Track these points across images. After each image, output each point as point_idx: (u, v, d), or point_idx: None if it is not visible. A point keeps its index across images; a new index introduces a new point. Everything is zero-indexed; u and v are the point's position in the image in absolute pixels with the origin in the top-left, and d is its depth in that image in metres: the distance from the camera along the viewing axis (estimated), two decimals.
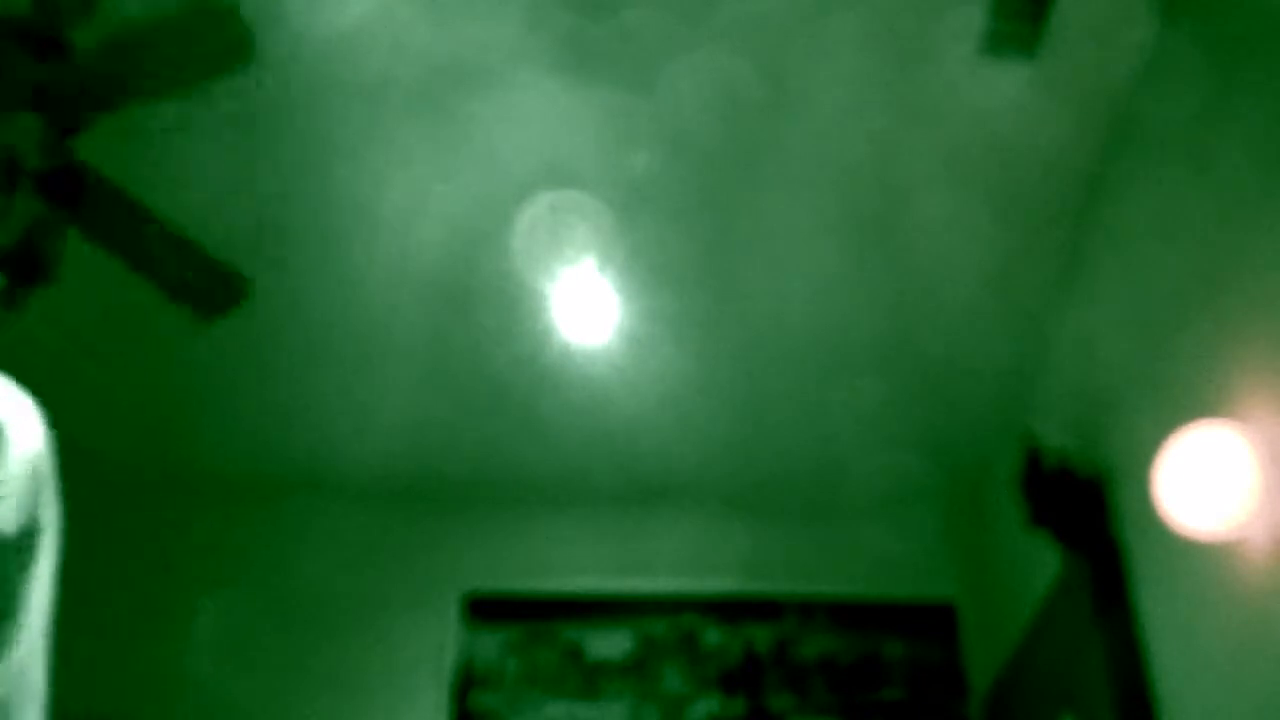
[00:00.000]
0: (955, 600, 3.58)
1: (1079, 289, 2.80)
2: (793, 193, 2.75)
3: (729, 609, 3.54)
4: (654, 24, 2.37)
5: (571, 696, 3.40)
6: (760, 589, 3.57)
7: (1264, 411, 1.90)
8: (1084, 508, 2.56)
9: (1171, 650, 2.25)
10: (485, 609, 3.52)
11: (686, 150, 2.65)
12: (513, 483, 3.65)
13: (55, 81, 1.98)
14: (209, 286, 2.38)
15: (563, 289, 2.98)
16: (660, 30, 2.39)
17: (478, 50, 2.45)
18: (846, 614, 3.55)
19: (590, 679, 3.43)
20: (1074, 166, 2.64)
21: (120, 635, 3.41)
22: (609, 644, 3.49)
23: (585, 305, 3.04)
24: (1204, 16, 2.17)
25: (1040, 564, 2.90)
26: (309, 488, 3.62)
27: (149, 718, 3.28)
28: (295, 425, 3.46)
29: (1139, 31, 2.34)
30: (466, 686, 3.39)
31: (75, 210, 2.13)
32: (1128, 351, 2.49)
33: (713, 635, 3.51)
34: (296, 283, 2.98)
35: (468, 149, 2.65)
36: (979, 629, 3.50)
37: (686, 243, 2.88)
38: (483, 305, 3.03)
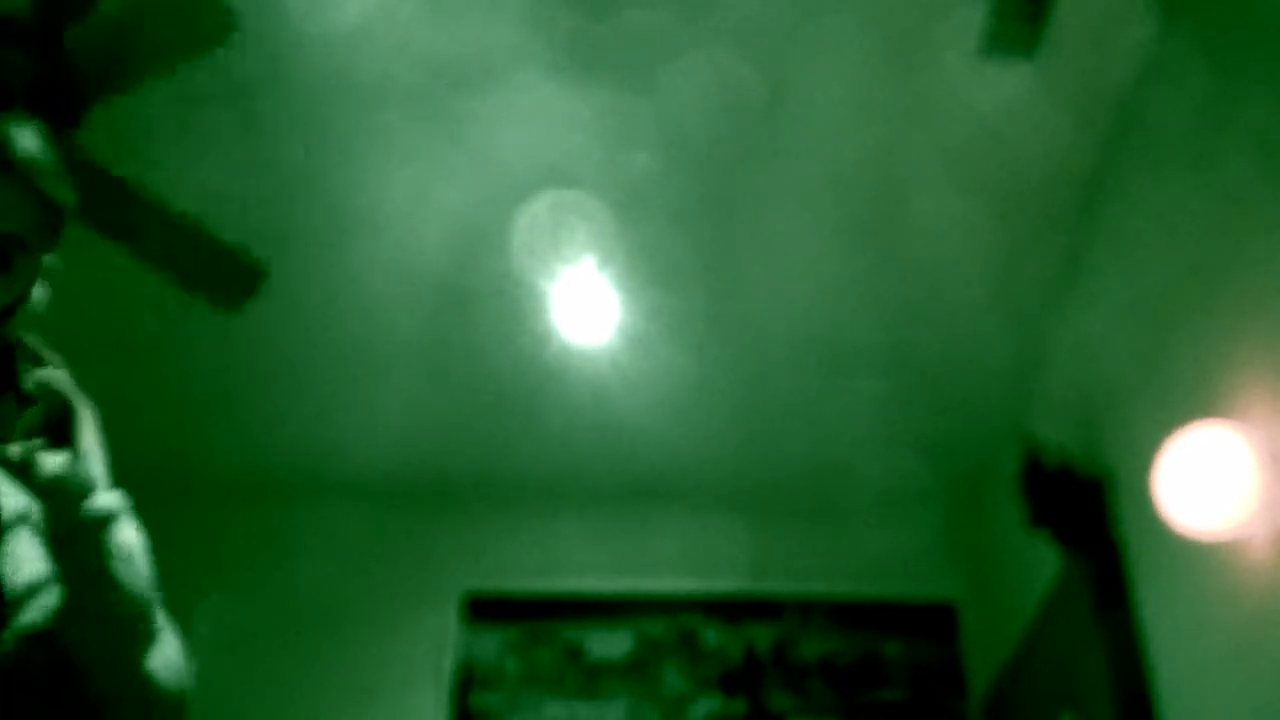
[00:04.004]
0: (955, 600, 3.58)
1: (1079, 289, 2.80)
2: (792, 193, 2.75)
3: (729, 609, 3.54)
4: (654, 24, 2.37)
5: (571, 696, 3.40)
6: (760, 589, 3.57)
7: (1264, 411, 1.90)
8: (1084, 508, 2.56)
9: (1171, 650, 2.25)
10: (485, 609, 3.52)
11: (686, 151, 2.65)
12: (513, 483, 3.64)
13: (49, 77, 1.97)
14: (223, 275, 2.32)
15: (563, 289, 2.98)
16: (660, 30, 2.39)
17: (478, 50, 2.45)
18: (846, 614, 3.54)
19: (590, 679, 3.43)
20: (1074, 166, 2.64)
21: None
22: (609, 644, 3.49)
23: (585, 305, 3.04)
24: (1204, 16, 2.17)
25: (1040, 564, 2.89)
26: (309, 488, 3.62)
27: None
28: (295, 426, 3.45)
29: (1139, 31, 2.34)
30: (466, 686, 3.39)
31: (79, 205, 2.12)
32: (1128, 351, 2.49)
33: (713, 635, 3.50)
34: (297, 283, 2.97)
35: (468, 149, 2.65)
36: (979, 629, 3.50)
37: (686, 243, 2.88)
38: (483, 305, 3.03)
